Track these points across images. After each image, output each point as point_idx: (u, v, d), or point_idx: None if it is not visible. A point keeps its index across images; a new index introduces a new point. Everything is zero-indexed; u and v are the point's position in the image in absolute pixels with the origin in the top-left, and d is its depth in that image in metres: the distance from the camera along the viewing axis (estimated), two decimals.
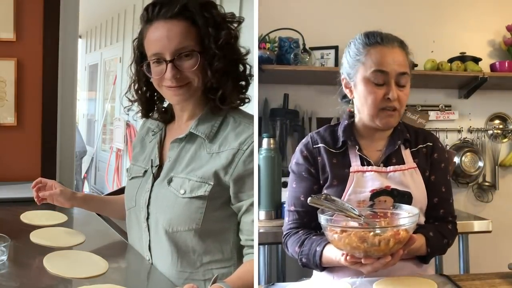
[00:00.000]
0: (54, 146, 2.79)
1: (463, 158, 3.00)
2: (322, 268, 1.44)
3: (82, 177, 6.28)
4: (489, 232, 2.46)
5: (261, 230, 2.15)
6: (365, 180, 1.46)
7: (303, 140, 1.57)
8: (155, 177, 1.44)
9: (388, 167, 1.48)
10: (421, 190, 1.49)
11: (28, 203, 2.05)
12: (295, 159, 1.56)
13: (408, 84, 1.48)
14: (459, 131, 3.08)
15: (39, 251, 1.44)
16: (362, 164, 1.48)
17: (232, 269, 1.37)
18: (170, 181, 1.39)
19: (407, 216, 1.32)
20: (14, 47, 2.63)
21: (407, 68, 1.48)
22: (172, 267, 1.39)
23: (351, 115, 1.55)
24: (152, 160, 1.47)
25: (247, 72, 1.42)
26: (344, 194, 1.45)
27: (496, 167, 3.13)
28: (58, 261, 1.37)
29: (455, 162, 2.97)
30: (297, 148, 1.58)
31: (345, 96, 1.58)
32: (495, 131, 3.12)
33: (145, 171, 1.48)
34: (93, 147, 6.85)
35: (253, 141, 1.32)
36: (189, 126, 1.40)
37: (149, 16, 1.37)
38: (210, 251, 1.38)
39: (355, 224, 1.30)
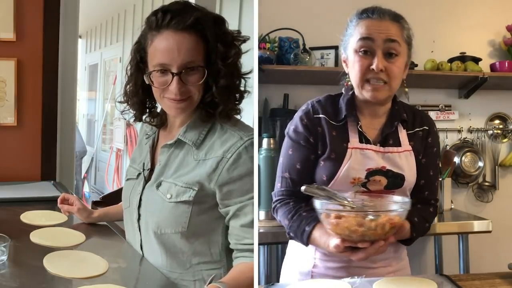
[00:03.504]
0: (54, 146, 2.79)
1: (463, 158, 3.00)
2: (308, 244, 1.46)
3: (82, 177, 6.28)
4: (489, 232, 2.46)
5: (261, 230, 2.15)
6: (362, 158, 1.46)
7: (303, 108, 1.55)
8: (147, 180, 1.46)
9: (385, 148, 1.49)
10: (413, 172, 1.51)
11: (28, 203, 2.06)
12: (294, 126, 1.54)
13: (401, 56, 1.45)
14: (459, 131, 3.08)
15: (39, 251, 1.44)
16: (361, 141, 1.48)
17: (222, 271, 1.39)
18: (159, 185, 1.41)
19: (400, 202, 1.37)
20: (14, 47, 2.63)
21: (399, 38, 1.44)
22: (162, 267, 1.42)
23: (350, 87, 1.53)
24: (144, 163, 1.50)
25: (243, 87, 1.44)
26: (340, 169, 1.45)
27: (496, 167, 3.13)
28: (58, 261, 1.37)
29: (455, 162, 2.97)
30: (296, 115, 1.55)
31: (344, 74, 1.57)
32: (495, 131, 3.12)
33: (139, 174, 1.50)
34: (93, 147, 6.85)
35: (237, 149, 1.33)
36: (179, 132, 1.42)
37: (158, 24, 1.33)
38: (199, 253, 1.40)
39: (349, 209, 1.33)
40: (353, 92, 1.52)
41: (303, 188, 1.35)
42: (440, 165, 2.76)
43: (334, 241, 1.32)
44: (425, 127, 1.55)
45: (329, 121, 1.50)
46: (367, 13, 1.46)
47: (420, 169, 1.52)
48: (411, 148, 1.51)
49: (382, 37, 1.42)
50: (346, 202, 1.33)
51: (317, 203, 1.34)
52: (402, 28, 1.46)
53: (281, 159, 1.55)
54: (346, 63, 1.53)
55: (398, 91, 1.53)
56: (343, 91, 1.55)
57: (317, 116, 1.51)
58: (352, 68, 1.47)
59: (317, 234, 1.41)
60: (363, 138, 1.49)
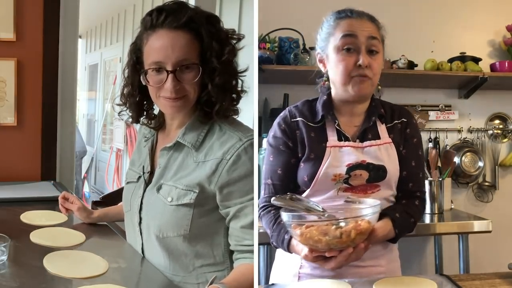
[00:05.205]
0: (54, 146, 2.79)
1: (463, 158, 3.00)
2: (290, 251, 1.46)
3: (82, 177, 6.28)
4: (489, 232, 2.46)
5: (261, 230, 2.15)
6: (341, 155, 1.47)
7: (281, 114, 1.56)
8: (147, 183, 1.46)
9: (364, 142, 1.49)
10: (395, 164, 1.51)
11: (28, 203, 2.06)
12: (273, 132, 1.55)
13: (380, 53, 1.48)
14: (459, 131, 3.08)
15: (39, 251, 1.44)
16: (339, 139, 1.49)
17: (226, 273, 1.39)
18: (159, 188, 1.41)
19: (368, 207, 1.35)
20: (14, 47, 2.63)
21: (378, 36, 1.48)
22: (165, 270, 1.41)
23: (327, 87, 1.55)
24: (143, 166, 1.49)
25: (240, 87, 1.43)
26: (320, 168, 1.45)
27: (496, 167, 3.13)
28: (58, 261, 1.37)
29: (455, 162, 2.97)
30: (275, 121, 1.57)
31: (320, 74, 1.58)
32: (495, 131, 3.12)
33: (139, 177, 1.50)
34: (93, 147, 6.85)
35: (236, 150, 1.33)
36: (177, 134, 1.41)
37: (153, 23, 1.35)
38: (202, 255, 1.40)
39: (315, 218, 1.31)
40: (329, 93, 1.53)
41: (273, 199, 1.36)
42: (440, 165, 2.77)
43: (303, 251, 1.34)
44: (403, 119, 1.56)
45: (307, 123, 1.51)
46: (345, 13, 1.50)
47: (401, 161, 1.52)
48: (391, 141, 1.51)
49: (365, 34, 1.45)
50: (316, 211, 1.32)
51: (284, 216, 1.34)
52: (378, 27, 1.51)
53: (263, 167, 1.56)
54: (323, 63, 1.53)
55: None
56: (318, 90, 1.56)
57: (295, 120, 1.52)
58: (336, 67, 1.47)
59: (294, 242, 1.41)
60: (341, 136, 1.50)
